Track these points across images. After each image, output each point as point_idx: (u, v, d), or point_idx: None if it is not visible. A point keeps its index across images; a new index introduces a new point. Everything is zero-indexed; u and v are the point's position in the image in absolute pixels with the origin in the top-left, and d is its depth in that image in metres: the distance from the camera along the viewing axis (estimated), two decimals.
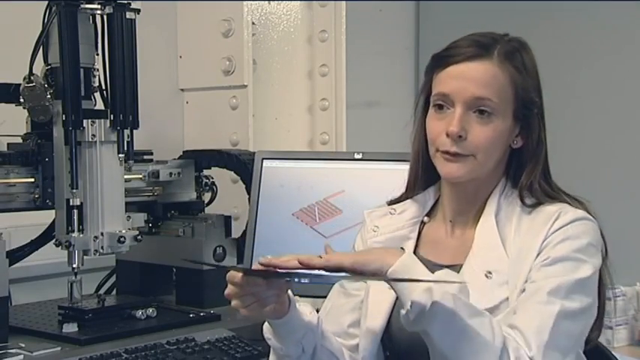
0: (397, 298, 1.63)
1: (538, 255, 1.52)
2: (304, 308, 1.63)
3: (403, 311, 1.42)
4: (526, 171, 1.60)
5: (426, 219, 1.70)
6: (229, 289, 1.49)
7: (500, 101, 1.55)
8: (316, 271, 1.46)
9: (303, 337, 1.60)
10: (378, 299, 1.64)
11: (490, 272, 1.52)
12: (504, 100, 1.56)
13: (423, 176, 1.68)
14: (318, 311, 1.77)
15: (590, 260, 1.52)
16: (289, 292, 1.57)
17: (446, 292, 1.39)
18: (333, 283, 1.78)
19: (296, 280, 1.51)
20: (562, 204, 1.57)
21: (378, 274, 1.43)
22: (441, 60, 1.59)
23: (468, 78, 1.54)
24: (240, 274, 1.47)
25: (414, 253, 1.64)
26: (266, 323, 1.61)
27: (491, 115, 1.55)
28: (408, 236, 1.67)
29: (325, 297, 1.79)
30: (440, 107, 1.57)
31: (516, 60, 1.58)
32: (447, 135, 1.55)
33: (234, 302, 1.50)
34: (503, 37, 1.61)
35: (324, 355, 1.64)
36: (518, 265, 1.52)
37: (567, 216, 1.54)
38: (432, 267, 1.58)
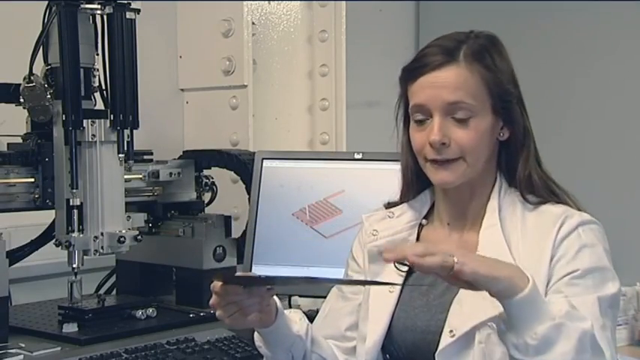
0: (398, 302, 1.62)
1: (551, 260, 1.52)
2: (294, 316, 1.64)
3: (515, 338, 1.38)
4: (520, 163, 1.60)
5: (424, 221, 1.69)
6: (213, 299, 1.50)
7: (476, 101, 1.55)
8: (302, 275, 1.43)
9: (292, 346, 1.61)
10: (379, 304, 1.63)
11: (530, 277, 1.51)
12: (479, 100, 1.55)
13: (416, 183, 1.68)
14: (317, 312, 1.78)
15: (612, 268, 1.54)
16: (277, 300, 1.57)
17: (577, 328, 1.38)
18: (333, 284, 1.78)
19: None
20: (565, 206, 1.58)
21: (500, 293, 1.38)
22: (411, 72, 1.59)
23: (438, 86, 1.55)
24: (220, 284, 1.47)
25: None
26: (256, 331, 1.61)
27: (469, 117, 1.55)
28: (407, 239, 1.67)
29: (325, 297, 1.79)
30: (420, 119, 1.58)
31: (485, 59, 1.57)
32: (431, 145, 1.55)
33: (217, 312, 1.51)
34: (469, 37, 1.60)
35: None
36: (528, 271, 1.51)
37: (574, 220, 1.55)
38: None
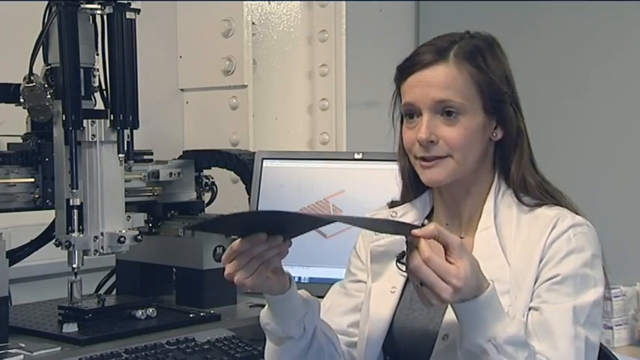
0: (400, 302, 1.62)
1: (540, 263, 1.52)
2: (304, 291, 1.60)
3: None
4: (513, 163, 1.60)
5: (425, 222, 1.69)
6: (230, 266, 1.44)
7: (465, 100, 1.55)
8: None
9: (304, 316, 1.56)
10: (380, 304, 1.63)
11: (491, 281, 1.51)
12: (469, 98, 1.56)
13: (414, 183, 1.68)
14: None
15: (598, 274, 1.53)
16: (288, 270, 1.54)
17: None
18: (331, 283, 1.78)
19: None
20: (561, 208, 1.57)
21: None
22: (403, 71, 1.60)
23: (426, 84, 1.56)
24: (239, 240, 1.42)
25: None
26: (264, 310, 1.57)
27: (457, 115, 1.55)
28: None
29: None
30: (410, 117, 1.59)
31: (475, 58, 1.57)
32: (419, 142, 1.56)
33: (238, 276, 1.43)
34: (463, 37, 1.61)
35: (322, 339, 1.61)
36: (520, 275, 1.52)
37: (566, 222, 1.54)
38: None
